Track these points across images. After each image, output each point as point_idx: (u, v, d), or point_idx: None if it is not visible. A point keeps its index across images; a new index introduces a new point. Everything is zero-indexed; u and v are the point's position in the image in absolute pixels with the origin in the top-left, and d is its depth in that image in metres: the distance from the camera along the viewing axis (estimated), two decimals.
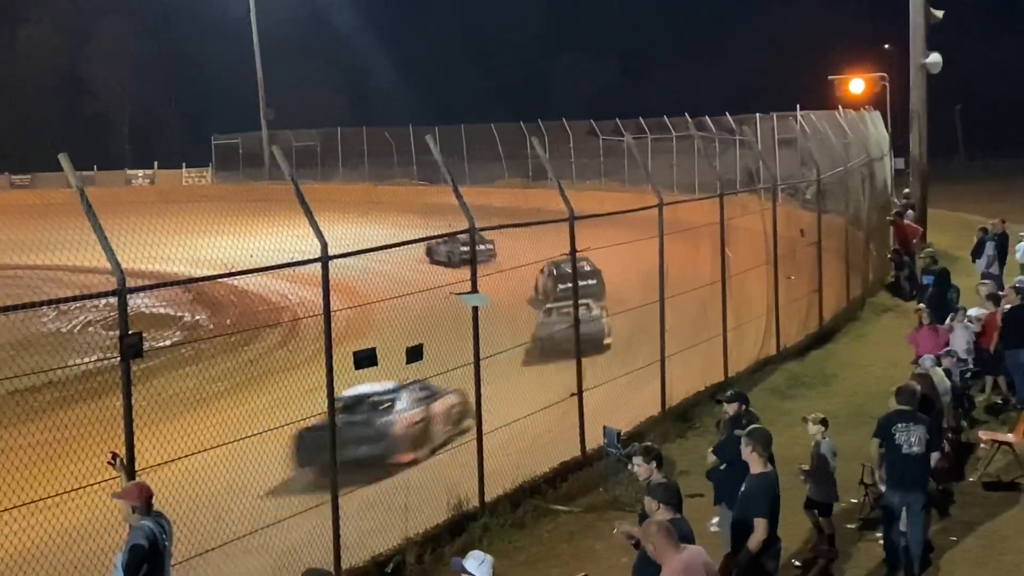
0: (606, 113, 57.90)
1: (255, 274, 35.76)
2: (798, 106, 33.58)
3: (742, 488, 9.31)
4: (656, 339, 17.81)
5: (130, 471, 8.90)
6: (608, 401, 16.42)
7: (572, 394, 15.49)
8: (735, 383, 18.38)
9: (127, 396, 8.85)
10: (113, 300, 8.95)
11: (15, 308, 9.77)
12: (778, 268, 21.71)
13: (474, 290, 13.08)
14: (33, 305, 11.20)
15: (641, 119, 52.22)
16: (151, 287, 10.20)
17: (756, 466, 9.36)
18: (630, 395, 17.45)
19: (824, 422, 12.14)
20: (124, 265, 9.33)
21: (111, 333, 29.63)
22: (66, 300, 10.64)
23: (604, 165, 56.47)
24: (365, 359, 11.09)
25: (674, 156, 47.60)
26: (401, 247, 13.49)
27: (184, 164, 76.12)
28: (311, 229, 11.14)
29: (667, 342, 17.78)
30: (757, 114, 38.83)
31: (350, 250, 11.92)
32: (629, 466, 13.33)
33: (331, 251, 11.17)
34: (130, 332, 8.76)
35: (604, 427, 14.09)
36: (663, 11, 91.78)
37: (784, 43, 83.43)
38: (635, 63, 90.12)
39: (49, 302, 15.89)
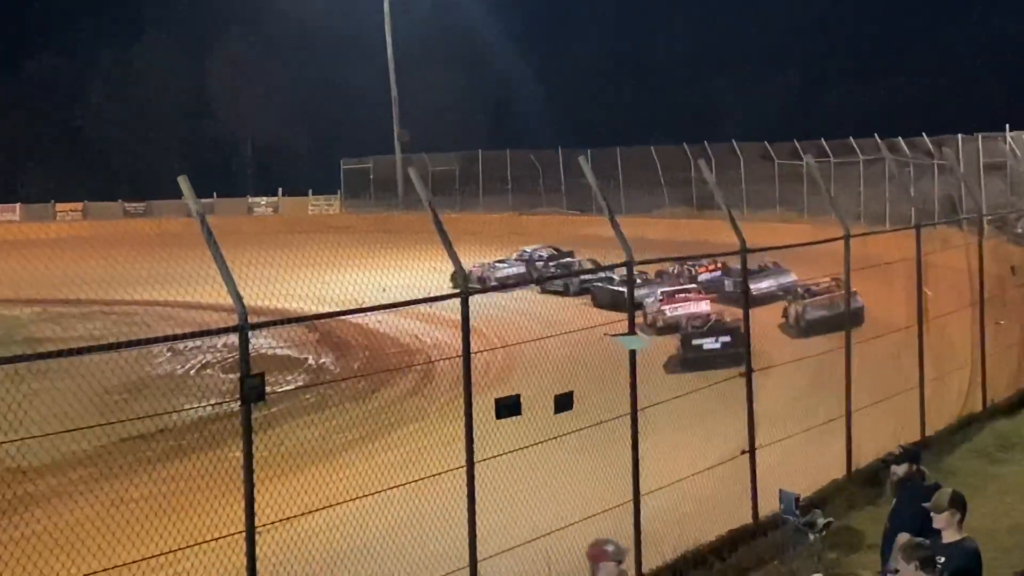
0: (782, 134, 57.24)
1: (386, 314, 36.23)
2: (1007, 125, 32.75)
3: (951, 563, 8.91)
4: (840, 390, 17.42)
5: (249, 527, 9.01)
6: (785, 461, 16.10)
7: (743, 452, 15.24)
8: (934, 443, 17.83)
9: (247, 443, 8.97)
10: (232, 340, 9.06)
11: (127, 345, 10.03)
12: (985, 311, 21.06)
13: (631, 331, 12.98)
14: (147, 342, 11.53)
15: (823, 141, 51.51)
16: (275, 323, 10.33)
17: (951, 532, 8.99)
18: (810, 454, 17.07)
19: None
20: (244, 301, 9.51)
21: (230, 376, 30.36)
22: (182, 337, 10.88)
23: (780, 192, 55.83)
24: (507, 408, 11.07)
25: (861, 182, 46.83)
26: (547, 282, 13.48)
27: (311, 191, 77.80)
28: (449, 262, 11.20)
29: (854, 394, 17.37)
30: (959, 135, 37.95)
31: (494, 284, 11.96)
32: (808, 536, 13.03)
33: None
34: (252, 373, 8.90)
35: (780, 491, 13.78)
36: (849, 18, 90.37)
37: (992, 53, 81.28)
38: (816, 77, 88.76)
39: (164, 339, 16.36)
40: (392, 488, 11.96)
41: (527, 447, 12.10)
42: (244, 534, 8.87)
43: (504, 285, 33.33)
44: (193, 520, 13.38)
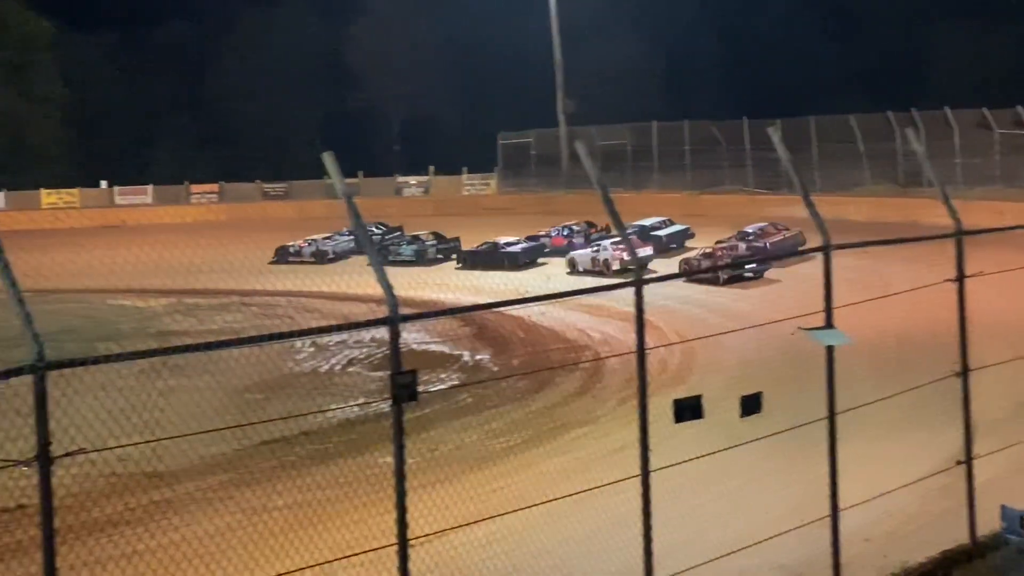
0: (1003, 99, 55.73)
1: (549, 306, 36.31)
2: None
3: None
4: None
5: (401, 540, 9.11)
6: (1009, 472, 15.72)
7: (958, 462, 14.89)
8: None
9: (399, 448, 9.07)
10: (381, 334, 9.19)
11: (268, 339, 10.21)
12: None
13: (828, 324, 12.77)
14: (289, 336, 11.69)
15: None
16: (428, 315, 10.42)
17: None
18: None
19: None
20: (377, 292, 9.60)
21: (376, 374, 30.85)
22: (326, 331, 11.06)
23: (1001, 166, 54.38)
24: (688, 410, 11.00)
25: None
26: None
27: (465, 169, 78.28)
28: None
29: None
30: None
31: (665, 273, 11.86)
32: None
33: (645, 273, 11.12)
34: (403, 370, 9.00)
35: (1002, 507, 13.47)
36: None
37: None
38: None
39: (307, 332, 16.70)
40: (556, 500, 12.00)
41: (709, 455, 12.02)
42: (396, 547, 8.99)
43: (678, 274, 33.56)
44: (340, 531, 13.66)
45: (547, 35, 75.21)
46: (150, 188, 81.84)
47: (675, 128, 69.73)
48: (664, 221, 53.01)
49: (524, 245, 53.17)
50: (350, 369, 32.47)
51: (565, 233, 54.61)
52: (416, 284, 37.66)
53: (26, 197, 75.20)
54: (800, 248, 34.05)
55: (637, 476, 10.82)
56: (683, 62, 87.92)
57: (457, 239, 55.63)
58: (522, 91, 79.99)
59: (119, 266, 58.05)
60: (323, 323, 36.60)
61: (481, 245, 53.32)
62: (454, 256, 54.40)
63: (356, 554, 9.83)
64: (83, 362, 6.78)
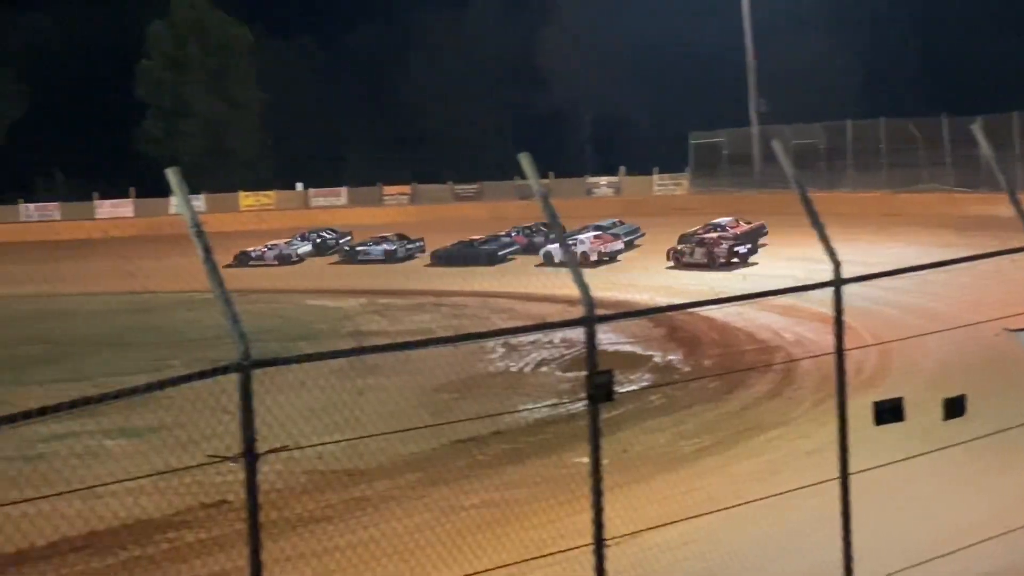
0: None
1: (742, 306, 36.02)
2: None
3: None
4: None
5: (597, 540, 9.10)
6: None
7: None
8: None
9: (595, 447, 9.07)
10: (571, 335, 9.21)
11: (460, 340, 10.35)
12: None
13: None
14: (481, 336, 11.87)
15: None
16: (624, 316, 10.40)
17: None
18: None
19: None
20: (567, 293, 9.62)
21: (568, 375, 30.95)
22: (520, 331, 11.12)
23: None
24: (889, 412, 10.79)
25: None
26: (933, 270, 13.01)
27: (656, 169, 78.02)
28: (813, 249, 10.98)
29: None
30: None
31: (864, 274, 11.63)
32: None
33: (844, 274, 10.92)
34: (599, 370, 9.00)
35: None
36: None
37: None
38: None
39: (499, 333, 16.84)
40: (750, 502, 11.89)
41: (910, 458, 11.77)
42: (591, 547, 9.00)
43: (891, 272, 32.88)
44: (532, 531, 13.75)
45: (738, 33, 74.55)
46: (344, 190, 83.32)
47: (870, 126, 68.44)
48: (616, 222, 61.09)
49: (499, 242, 60.34)
50: (541, 369, 32.62)
51: (525, 233, 61.59)
52: (606, 285, 37.67)
53: (225, 199, 77.15)
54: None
55: (834, 479, 10.66)
56: (878, 58, 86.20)
57: (422, 239, 62.70)
58: (713, 90, 79.38)
59: (316, 267, 59.59)
60: (514, 324, 36.91)
61: (454, 244, 59.48)
62: (418, 255, 61.41)
63: (551, 553, 9.88)
64: (287, 361, 6.93)
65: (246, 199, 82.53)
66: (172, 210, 76.31)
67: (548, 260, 54.84)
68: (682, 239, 54.92)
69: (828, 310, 10.81)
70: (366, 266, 58.58)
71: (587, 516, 9.31)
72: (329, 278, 55.89)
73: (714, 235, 54.19)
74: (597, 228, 58.18)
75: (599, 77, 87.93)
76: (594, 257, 54.49)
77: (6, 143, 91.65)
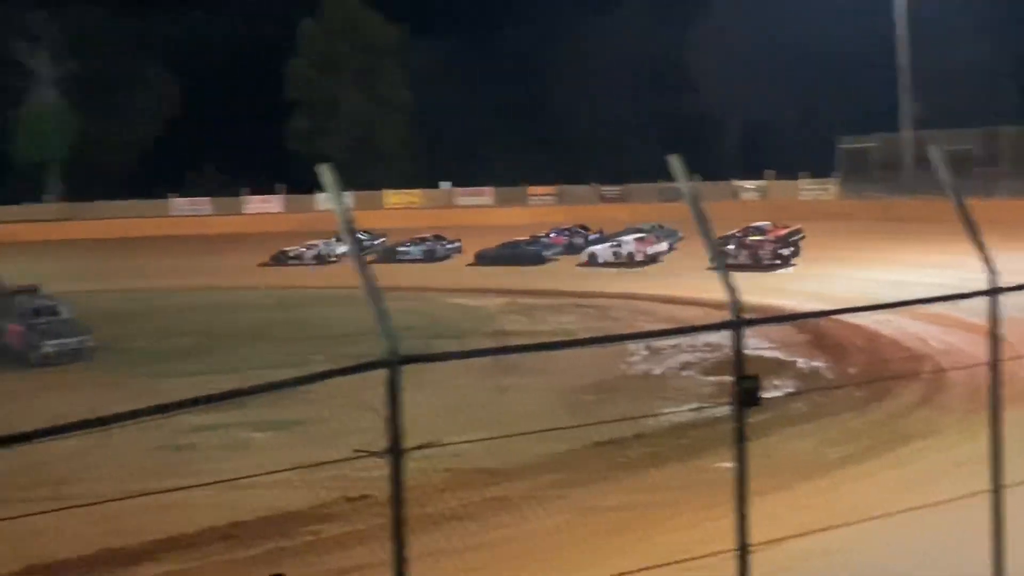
0: None
1: (890, 314, 35.34)
2: None
3: None
4: None
5: (741, 546, 8.99)
6: None
7: None
8: None
9: (741, 452, 8.98)
10: (713, 339, 9.13)
11: (603, 341, 10.32)
12: None
13: None
14: (624, 339, 11.80)
15: None
16: (773, 320, 10.27)
17: None
18: None
19: None
20: (711, 296, 9.52)
21: (709, 379, 30.71)
22: (665, 334, 11.06)
23: None
24: None
25: None
26: None
27: (803, 173, 77.16)
28: (966, 256, 10.73)
29: None
30: None
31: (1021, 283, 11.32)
32: None
33: (1000, 283, 10.66)
34: (747, 374, 8.91)
35: None
36: None
37: None
38: None
39: (644, 335, 16.75)
40: (897, 513, 11.67)
41: None
42: (734, 553, 8.90)
43: None
44: (672, 534, 13.66)
45: (888, 36, 73.35)
46: (489, 189, 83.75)
47: None
48: (656, 225, 62.61)
49: (541, 243, 63.46)
50: (683, 373, 32.41)
51: (565, 234, 65.40)
52: (750, 289, 37.24)
53: (371, 197, 78.00)
54: None
55: (985, 491, 10.41)
56: None
57: (459, 240, 65.78)
58: (863, 93, 78.31)
59: (456, 266, 59.95)
60: (656, 327, 36.74)
61: (499, 246, 61.89)
62: (455, 255, 64.15)
63: (693, 558, 9.80)
64: (434, 358, 6.96)
65: (392, 197, 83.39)
66: (319, 206, 77.48)
67: (592, 260, 58.98)
68: (722, 240, 56.13)
69: (980, 319, 10.57)
70: (503, 267, 59.33)
71: (728, 521, 9.23)
72: (470, 277, 56.16)
73: (757, 238, 57.26)
74: (638, 231, 61.85)
75: (747, 79, 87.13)
76: (639, 257, 58.55)
77: (159, 138, 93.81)
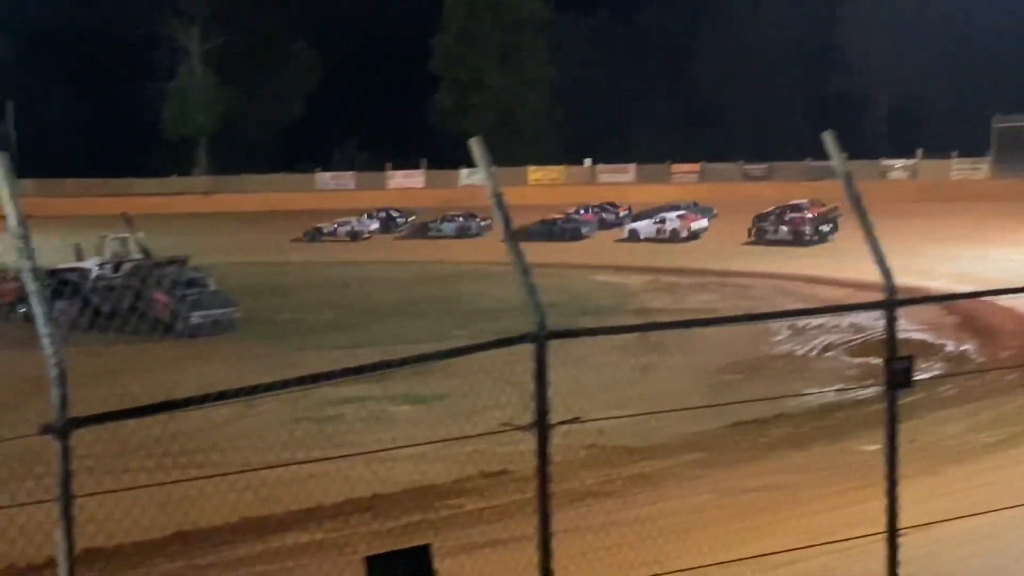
0: None
1: None
2: None
3: None
4: None
5: (890, 528, 8.88)
6: None
7: None
8: None
9: (891, 435, 8.87)
10: (858, 320, 8.98)
11: (746, 320, 10.24)
12: None
13: None
14: (769, 317, 11.70)
15: None
16: (927, 300, 10.05)
17: None
18: None
19: None
20: (864, 278, 9.39)
21: (855, 360, 30.33)
22: (811, 312, 10.93)
23: None
24: None
25: None
26: None
27: (955, 153, 75.69)
28: None
29: None
30: None
31: None
32: None
33: None
34: (899, 355, 8.78)
35: None
36: None
37: None
38: None
39: (789, 314, 16.62)
40: None
41: None
42: (883, 537, 8.81)
43: None
44: (815, 517, 13.54)
45: None
46: (632, 167, 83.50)
47: None
48: (693, 204, 67.28)
49: (576, 220, 66.66)
50: (827, 354, 32.03)
51: (594, 211, 68.27)
52: (895, 271, 36.66)
53: (513, 173, 78.33)
54: None
55: None
56: None
57: (489, 218, 63.81)
58: (1018, 70, 76.50)
59: (600, 243, 59.91)
60: (800, 306, 36.35)
61: (535, 223, 63.10)
62: (487, 233, 65.14)
63: (839, 541, 9.72)
64: (581, 333, 7.00)
65: (534, 173, 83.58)
66: (462, 182, 77.96)
67: (633, 236, 62.70)
68: (760, 218, 60.27)
69: None
70: (641, 244, 61.47)
71: (874, 505, 9.13)
72: (612, 255, 56.10)
73: (798, 215, 59.24)
74: (676, 208, 65.21)
75: (897, 55, 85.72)
76: (684, 234, 61.95)
77: (304, 114, 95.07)
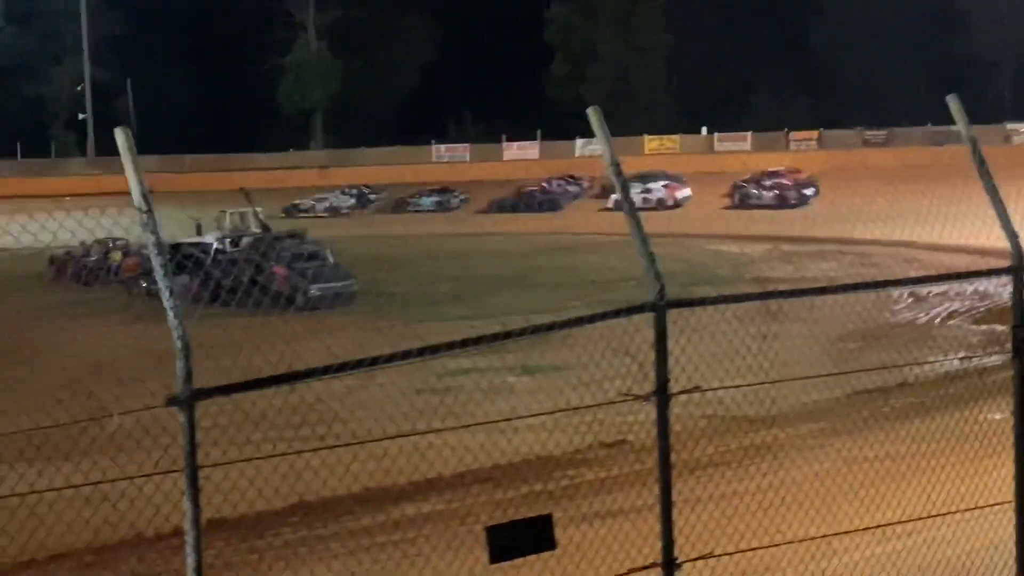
0: None
1: None
2: None
3: None
4: None
5: (1019, 497, 8.70)
6: None
7: None
8: None
9: (1019, 403, 8.72)
10: (984, 287, 8.82)
11: (865, 288, 10.11)
12: None
13: None
14: (889, 284, 11.53)
15: None
16: None
17: None
18: None
19: None
20: (988, 244, 9.23)
21: (979, 328, 29.87)
22: (940, 279, 10.76)
23: None
24: None
25: None
26: None
27: None
28: None
29: None
30: None
31: None
32: None
33: None
34: None
35: None
36: None
37: None
38: None
39: (910, 281, 16.39)
40: None
41: None
42: (1012, 505, 8.67)
43: None
44: (940, 486, 13.33)
45: None
46: (749, 135, 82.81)
47: None
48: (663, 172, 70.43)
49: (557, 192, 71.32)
50: (950, 322, 31.58)
51: (558, 184, 72.71)
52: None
53: (629, 143, 78.05)
54: None
55: None
56: None
57: (467, 192, 72.86)
58: None
59: (715, 213, 59.67)
60: (922, 273, 35.84)
61: (515, 195, 69.69)
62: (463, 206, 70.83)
63: (965, 511, 9.60)
64: (702, 302, 6.97)
65: (650, 143, 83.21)
66: (578, 152, 77.84)
67: (618, 207, 61.45)
68: (741, 184, 65.43)
69: None
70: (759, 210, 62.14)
71: (1000, 474, 9.01)
72: (730, 224, 55.68)
73: (781, 180, 64.08)
74: (653, 178, 67.96)
75: (1022, 17, 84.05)
76: (670, 203, 65.69)
77: (419, 85, 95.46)
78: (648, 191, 65.54)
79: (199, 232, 44.02)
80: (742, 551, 8.44)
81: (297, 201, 73.18)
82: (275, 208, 55.77)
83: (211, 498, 5.12)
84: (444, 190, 72.43)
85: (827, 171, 66.92)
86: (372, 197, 75.81)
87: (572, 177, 73.40)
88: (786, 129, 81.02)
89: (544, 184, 72.54)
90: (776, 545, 9.42)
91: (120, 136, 5.12)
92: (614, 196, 63.56)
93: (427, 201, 70.73)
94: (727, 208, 63.54)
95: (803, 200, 61.70)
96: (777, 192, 63.20)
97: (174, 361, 5.04)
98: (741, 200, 63.71)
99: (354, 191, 75.75)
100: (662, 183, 67.21)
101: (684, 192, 67.30)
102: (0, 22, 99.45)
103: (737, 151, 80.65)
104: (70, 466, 16.46)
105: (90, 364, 28.35)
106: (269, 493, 15.57)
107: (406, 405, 22.07)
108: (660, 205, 64.47)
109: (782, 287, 34.03)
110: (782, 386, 18.34)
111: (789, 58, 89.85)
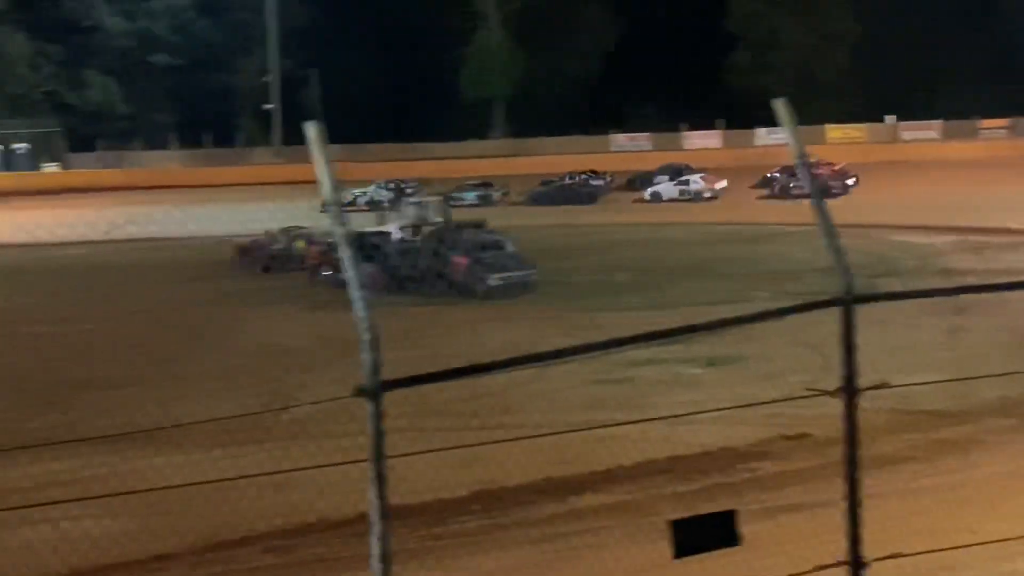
0: None
1: None
2: None
3: None
4: None
5: None
6: None
7: None
8: None
9: None
10: None
11: None
12: None
13: None
14: None
15: None
16: None
17: None
18: None
19: None
20: None
21: None
22: None
23: None
24: None
25: None
26: None
27: None
28: None
29: None
30: None
31: None
32: None
33: None
34: None
35: None
36: None
37: None
38: None
39: None
40: None
41: None
42: None
43: None
44: None
45: None
46: (937, 124, 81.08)
47: None
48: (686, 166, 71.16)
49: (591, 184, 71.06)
50: None
51: (580, 177, 72.21)
52: None
53: (810, 131, 76.98)
54: None
55: None
56: None
57: (507, 187, 71.46)
58: None
59: (902, 202, 58.50)
60: None
61: (553, 187, 69.75)
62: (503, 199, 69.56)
63: None
64: (888, 296, 6.85)
65: (833, 132, 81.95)
66: (760, 141, 77.04)
67: (656, 198, 66.51)
68: (772, 174, 64.79)
69: None
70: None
71: None
72: (918, 214, 54.45)
73: (819, 170, 59.82)
74: (675, 171, 69.14)
75: None
76: (708, 194, 66.13)
77: (600, 74, 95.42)
78: (685, 183, 67.22)
79: (380, 221, 44.55)
80: (931, 551, 8.26)
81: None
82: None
83: (395, 486, 5.18)
84: (485, 184, 71.69)
85: (1018, 159, 65.14)
86: (410, 192, 71.61)
87: (594, 172, 73.97)
88: (976, 117, 79.14)
89: (568, 178, 72.67)
90: (966, 546, 9.22)
91: (311, 130, 5.22)
92: (651, 188, 67.58)
93: (470, 196, 69.54)
94: (761, 199, 63.99)
95: (845, 190, 61.47)
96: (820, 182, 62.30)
97: (355, 350, 5.10)
98: (781, 190, 62.84)
99: (392, 185, 72.91)
100: (699, 175, 68.21)
101: (722, 183, 67.44)
102: (192, 15, 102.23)
103: (924, 140, 78.99)
104: (263, 453, 16.93)
105: (274, 351, 29.00)
106: (451, 482, 15.79)
107: (585, 395, 22.13)
108: (697, 197, 65.65)
109: (969, 280, 33.28)
110: (971, 381, 17.95)
111: (980, 43, 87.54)
